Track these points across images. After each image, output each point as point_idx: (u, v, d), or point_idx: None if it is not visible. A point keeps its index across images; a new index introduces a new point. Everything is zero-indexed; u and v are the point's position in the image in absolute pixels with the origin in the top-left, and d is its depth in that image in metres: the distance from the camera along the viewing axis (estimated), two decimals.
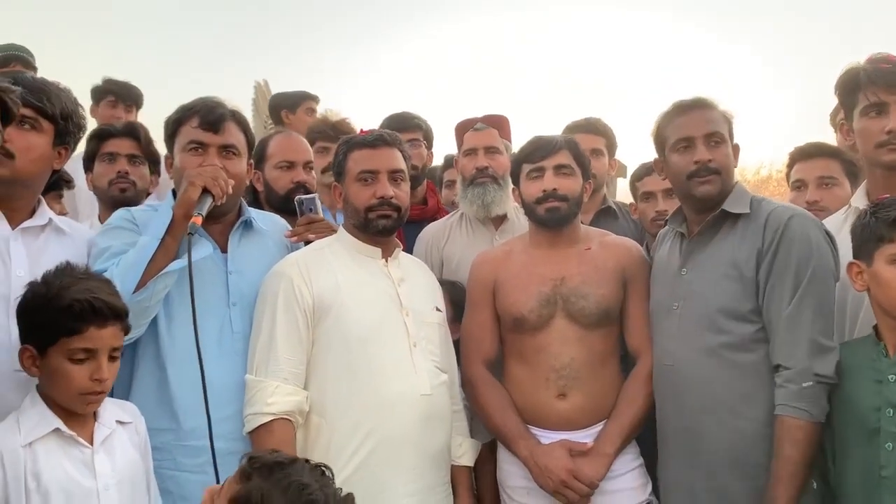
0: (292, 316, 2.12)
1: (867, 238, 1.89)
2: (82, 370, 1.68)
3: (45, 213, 2.02)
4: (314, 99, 4.50)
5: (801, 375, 1.95)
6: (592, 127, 3.22)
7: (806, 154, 2.89)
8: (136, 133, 2.95)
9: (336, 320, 2.14)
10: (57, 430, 1.66)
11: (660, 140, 2.27)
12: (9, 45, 3.94)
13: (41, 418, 1.67)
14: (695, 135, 2.15)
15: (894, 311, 1.85)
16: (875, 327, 1.95)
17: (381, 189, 2.23)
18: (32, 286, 1.73)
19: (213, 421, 1.89)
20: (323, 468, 1.45)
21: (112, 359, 1.73)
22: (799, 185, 2.85)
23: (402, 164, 2.31)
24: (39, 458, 1.62)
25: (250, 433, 2.04)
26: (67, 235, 2.06)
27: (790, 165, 2.95)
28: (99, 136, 2.96)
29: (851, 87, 2.18)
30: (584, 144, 2.55)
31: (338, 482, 1.47)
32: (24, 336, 1.70)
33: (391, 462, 2.06)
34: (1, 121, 1.59)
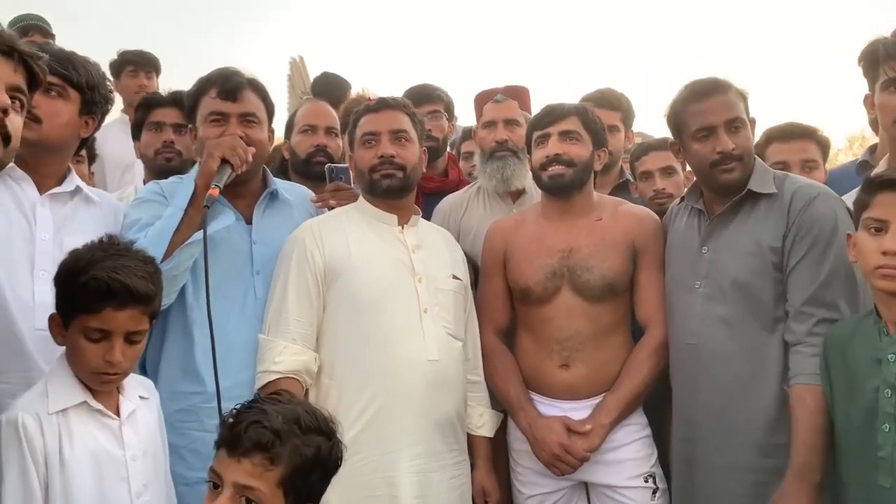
0: (303, 279, 2.19)
1: (857, 208, 1.87)
2: (96, 349, 1.64)
3: (73, 180, 2.08)
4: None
5: (812, 348, 1.97)
6: (606, 101, 3.08)
7: (786, 135, 2.83)
8: (181, 102, 2.92)
9: (346, 284, 2.20)
10: (85, 402, 1.67)
11: (676, 125, 2.23)
12: (26, 14, 3.92)
13: (70, 389, 1.67)
14: (715, 123, 2.12)
15: (868, 277, 1.83)
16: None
17: (381, 148, 2.28)
18: (70, 254, 1.71)
19: (234, 384, 2.03)
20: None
21: (131, 342, 1.68)
22: (781, 168, 2.73)
23: (405, 125, 2.33)
24: (73, 424, 1.64)
25: (259, 391, 2.12)
26: (96, 204, 2.12)
27: (765, 144, 2.86)
28: (146, 106, 3.01)
29: (872, 61, 2.17)
30: None
31: (345, 442, 1.55)
32: (56, 303, 1.70)
33: (394, 425, 2.11)
34: (28, 87, 1.61)
